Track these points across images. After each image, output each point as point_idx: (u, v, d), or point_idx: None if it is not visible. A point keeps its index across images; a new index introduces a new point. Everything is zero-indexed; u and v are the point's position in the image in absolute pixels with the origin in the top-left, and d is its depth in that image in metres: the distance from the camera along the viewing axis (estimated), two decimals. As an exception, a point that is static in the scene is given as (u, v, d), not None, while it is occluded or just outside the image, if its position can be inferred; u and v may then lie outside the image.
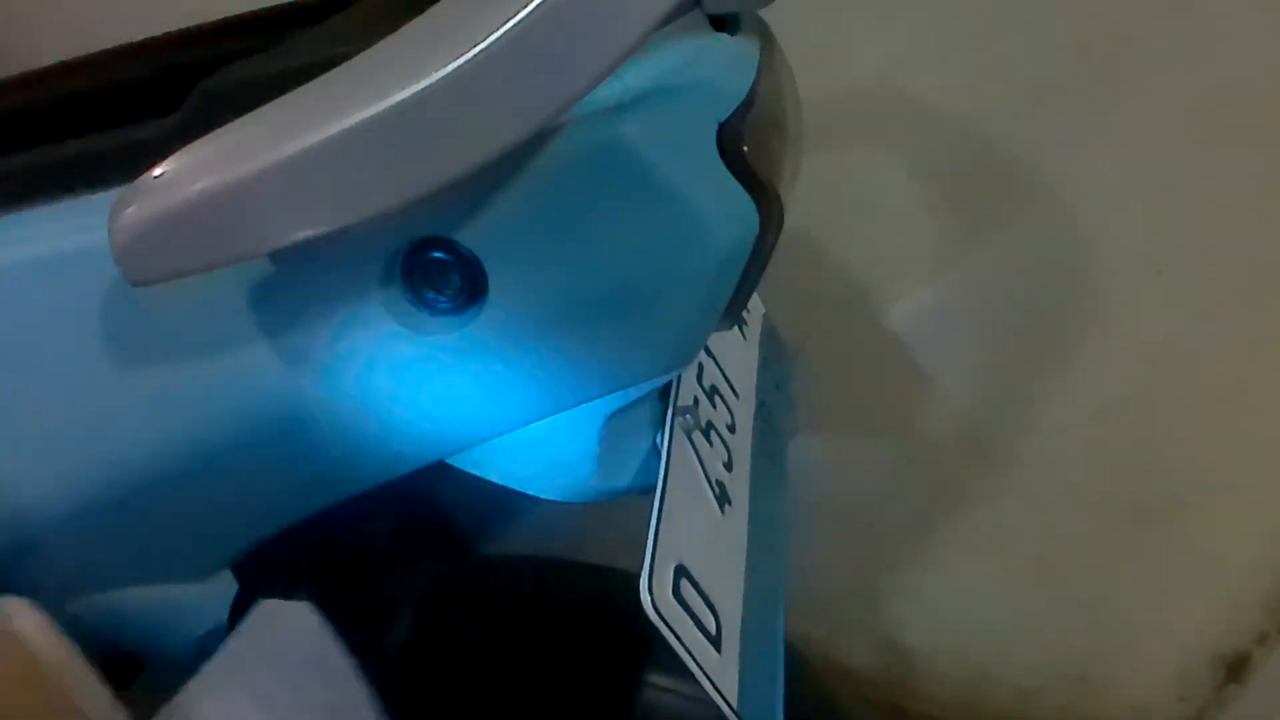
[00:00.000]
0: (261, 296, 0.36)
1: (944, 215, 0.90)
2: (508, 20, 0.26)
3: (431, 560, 0.84)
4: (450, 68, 0.27)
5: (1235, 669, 1.03)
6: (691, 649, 0.37)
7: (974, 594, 1.11)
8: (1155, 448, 0.96)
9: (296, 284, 0.36)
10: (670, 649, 0.36)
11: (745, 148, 0.36)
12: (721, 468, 0.49)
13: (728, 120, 0.36)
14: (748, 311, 0.65)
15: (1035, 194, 0.87)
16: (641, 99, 0.33)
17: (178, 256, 0.30)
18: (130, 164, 0.32)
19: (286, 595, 0.40)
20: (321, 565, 0.66)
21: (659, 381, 0.43)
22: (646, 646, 0.67)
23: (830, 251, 0.93)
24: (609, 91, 0.33)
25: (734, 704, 0.38)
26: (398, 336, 0.36)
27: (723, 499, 0.47)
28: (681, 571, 0.39)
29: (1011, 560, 1.07)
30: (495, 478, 0.43)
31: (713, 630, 0.40)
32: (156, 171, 0.30)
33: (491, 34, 0.26)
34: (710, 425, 0.49)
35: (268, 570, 0.47)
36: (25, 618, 0.30)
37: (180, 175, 0.29)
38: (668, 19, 0.29)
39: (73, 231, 0.37)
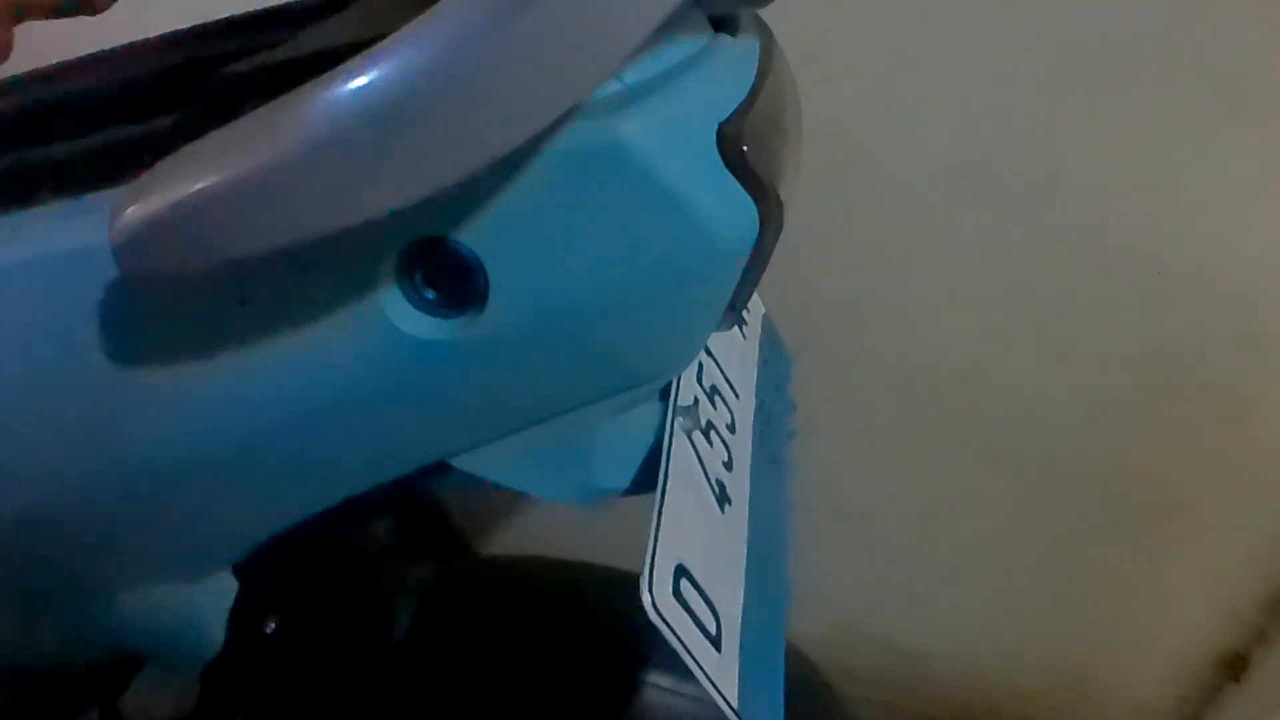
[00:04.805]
0: (261, 296, 0.36)
1: (944, 215, 0.90)
2: (507, 20, 0.26)
3: (431, 560, 0.83)
4: (450, 68, 0.27)
5: (1235, 669, 1.03)
6: (692, 649, 0.37)
7: (974, 594, 1.11)
8: (1155, 448, 0.96)
9: (296, 283, 0.36)
10: (670, 649, 0.36)
11: (745, 148, 0.35)
12: (721, 468, 0.49)
13: (728, 120, 0.35)
14: (748, 311, 0.65)
15: (1034, 194, 0.87)
16: (641, 99, 0.33)
17: (177, 255, 0.30)
18: (130, 163, 0.32)
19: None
20: (321, 565, 0.66)
21: (659, 382, 0.43)
22: (646, 646, 0.67)
23: (830, 251, 0.93)
24: (609, 91, 0.33)
25: (734, 704, 0.38)
26: (397, 336, 0.36)
27: (723, 499, 0.47)
28: (682, 571, 0.39)
29: (1011, 560, 1.07)
30: (495, 478, 0.43)
31: (713, 630, 0.40)
32: (157, 170, 0.30)
33: (491, 34, 0.26)
34: (710, 425, 0.49)
35: (268, 570, 0.47)
36: None
37: (181, 174, 0.29)
38: (668, 19, 0.29)
39: (73, 231, 0.37)
